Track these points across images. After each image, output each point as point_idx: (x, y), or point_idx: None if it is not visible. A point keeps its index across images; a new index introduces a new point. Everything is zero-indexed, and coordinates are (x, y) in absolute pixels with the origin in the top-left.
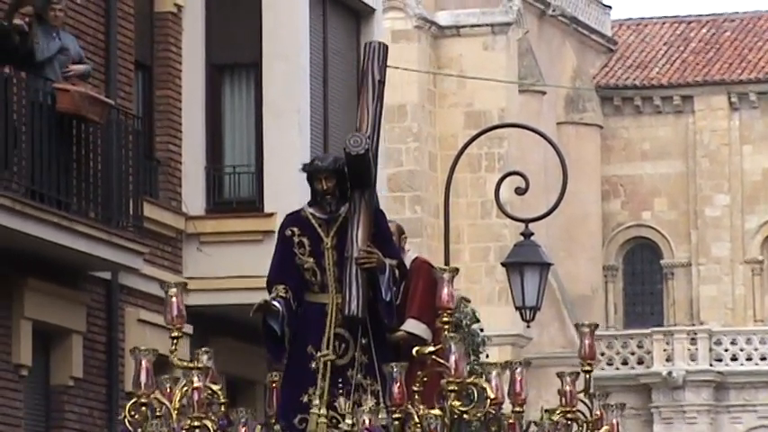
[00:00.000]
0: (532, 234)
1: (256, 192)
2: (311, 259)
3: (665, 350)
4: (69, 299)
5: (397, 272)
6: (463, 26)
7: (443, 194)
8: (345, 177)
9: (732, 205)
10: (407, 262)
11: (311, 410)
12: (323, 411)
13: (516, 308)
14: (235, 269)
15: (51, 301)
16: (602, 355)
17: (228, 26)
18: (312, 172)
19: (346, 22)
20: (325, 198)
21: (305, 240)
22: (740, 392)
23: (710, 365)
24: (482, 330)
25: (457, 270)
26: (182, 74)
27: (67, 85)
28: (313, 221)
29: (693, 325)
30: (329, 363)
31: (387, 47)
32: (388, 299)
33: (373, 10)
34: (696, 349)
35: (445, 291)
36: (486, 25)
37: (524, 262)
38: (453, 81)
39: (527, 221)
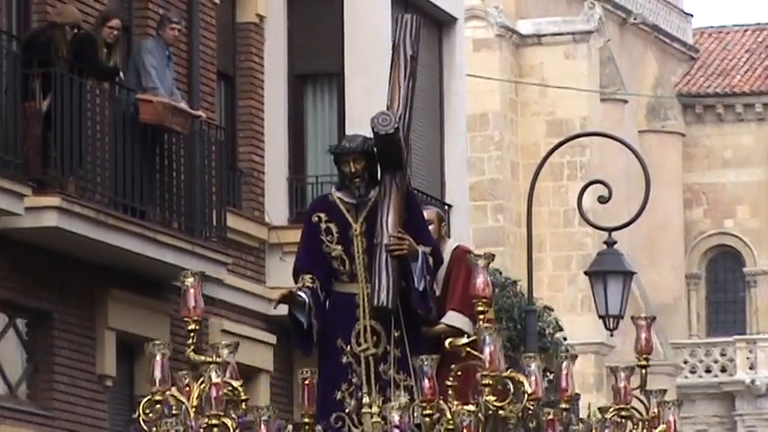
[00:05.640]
0: (615, 242)
1: None
2: (339, 246)
3: (747, 358)
4: (153, 309)
5: (430, 259)
6: (544, 35)
7: (526, 203)
8: (375, 159)
9: None
10: (448, 251)
11: (363, 411)
12: (375, 410)
13: (599, 316)
14: None
15: (135, 311)
16: (686, 363)
17: (310, 36)
18: (339, 154)
19: (428, 32)
20: (354, 181)
21: (332, 227)
22: None
23: None
24: (565, 339)
25: (493, 257)
26: (264, 84)
27: (151, 96)
28: (341, 206)
29: None
30: (371, 357)
31: (420, 19)
32: (421, 288)
33: (455, 19)
34: None
35: (480, 278)
36: (568, 33)
37: (607, 270)
38: (535, 89)
39: (610, 230)
